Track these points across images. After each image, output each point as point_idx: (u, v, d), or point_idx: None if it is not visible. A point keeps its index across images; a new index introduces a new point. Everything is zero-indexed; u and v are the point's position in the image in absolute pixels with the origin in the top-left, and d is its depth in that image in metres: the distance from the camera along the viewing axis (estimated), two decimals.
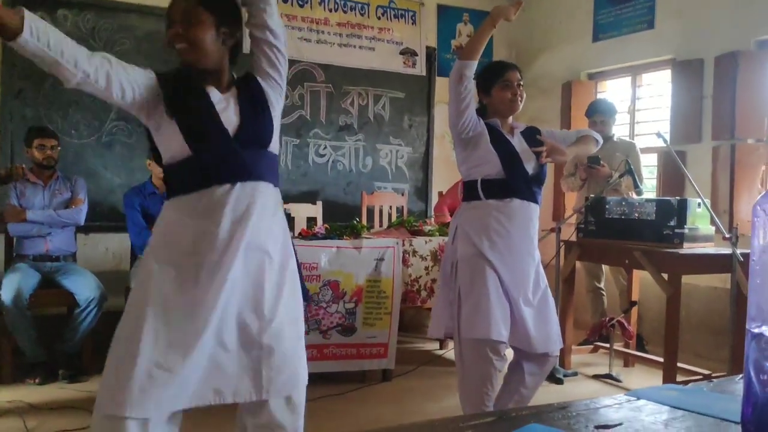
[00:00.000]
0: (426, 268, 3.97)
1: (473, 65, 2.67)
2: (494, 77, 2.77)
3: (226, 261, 1.76)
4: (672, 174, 4.65)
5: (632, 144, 4.75)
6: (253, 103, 1.88)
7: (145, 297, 1.76)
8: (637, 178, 3.98)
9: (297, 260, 2.00)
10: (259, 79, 1.94)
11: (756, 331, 0.78)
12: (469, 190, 2.80)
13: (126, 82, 1.73)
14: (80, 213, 4.05)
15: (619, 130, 4.90)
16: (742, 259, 3.42)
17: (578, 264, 4.42)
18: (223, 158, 1.80)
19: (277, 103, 1.96)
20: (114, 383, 1.70)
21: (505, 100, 2.76)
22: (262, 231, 1.84)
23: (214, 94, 1.86)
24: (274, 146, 1.93)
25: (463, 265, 2.75)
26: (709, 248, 3.73)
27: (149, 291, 1.76)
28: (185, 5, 1.82)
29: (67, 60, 1.60)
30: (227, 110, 1.84)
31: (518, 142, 2.79)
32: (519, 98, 2.76)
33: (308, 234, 3.82)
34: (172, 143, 1.81)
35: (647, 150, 5.06)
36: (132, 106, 1.79)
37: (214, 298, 1.75)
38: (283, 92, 2.00)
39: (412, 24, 5.96)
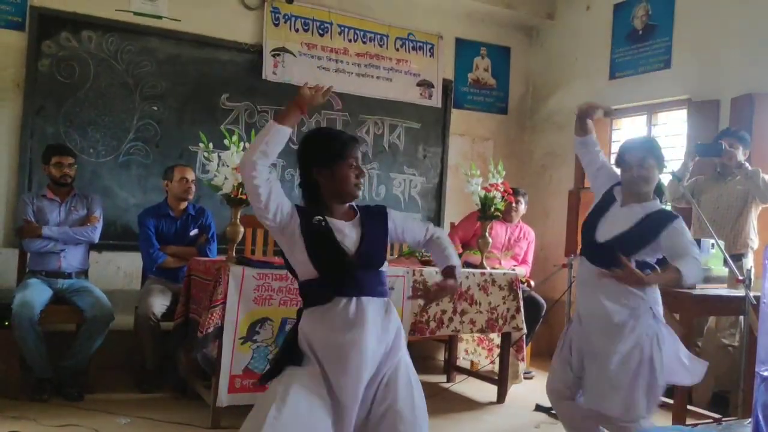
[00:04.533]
0: None
1: None
2: None
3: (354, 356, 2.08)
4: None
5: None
6: (375, 232, 2.25)
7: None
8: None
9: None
10: (389, 220, 2.32)
11: (765, 374, 0.77)
12: None
13: (277, 205, 2.20)
14: (95, 231, 4.07)
15: None
16: (755, 302, 3.38)
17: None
18: (342, 279, 2.14)
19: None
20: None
21: None
22: (373, 337, 2.13)
23: (336, 223, 2.22)
24: (385, 266, 2.27)
25: None
26: (721, 290, 3.69)
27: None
28: None
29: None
30: (348, 237, 2.19)
31: None
32: None
33: None
34: (304, 266, 2.18)
35: None
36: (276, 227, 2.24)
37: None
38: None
39: (430, 56, 6.02)
